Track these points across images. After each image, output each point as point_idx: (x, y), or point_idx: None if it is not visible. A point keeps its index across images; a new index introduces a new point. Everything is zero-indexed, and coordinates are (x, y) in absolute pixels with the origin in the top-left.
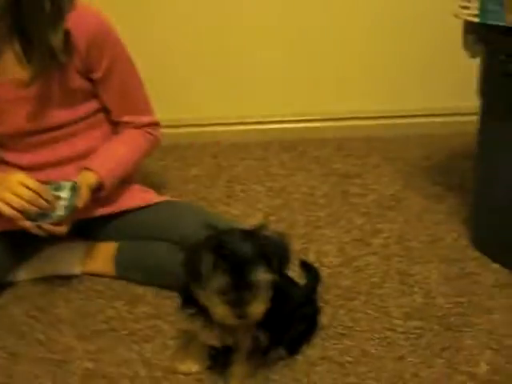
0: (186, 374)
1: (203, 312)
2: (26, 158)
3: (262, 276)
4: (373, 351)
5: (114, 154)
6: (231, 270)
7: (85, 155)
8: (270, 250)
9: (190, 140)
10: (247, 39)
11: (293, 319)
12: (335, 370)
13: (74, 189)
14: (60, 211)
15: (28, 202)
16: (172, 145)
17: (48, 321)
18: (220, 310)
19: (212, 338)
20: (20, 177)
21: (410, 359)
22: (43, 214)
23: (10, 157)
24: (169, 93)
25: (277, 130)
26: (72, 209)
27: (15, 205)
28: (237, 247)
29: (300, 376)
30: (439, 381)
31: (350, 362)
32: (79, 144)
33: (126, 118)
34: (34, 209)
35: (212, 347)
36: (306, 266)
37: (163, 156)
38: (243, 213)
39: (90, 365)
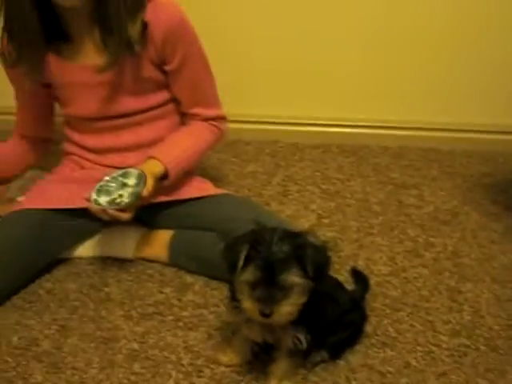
0: (227, 366)
1: None
2: (91, 141)
3: (293, 278)
4: (415, 364)
5: (180, 146)
6: (263, 266)
7: (149, 145)
8: (307, 254)
9: (249, 137)
10: (319, 38)
11: (338, 324)
12: (375, 378)
13: (141, 177)
14: (127, 198)
15: None
16: (231, 140)
17: (99, 299)
18: (248, 304)
19: (253, 333)
20: None
21: (452, 376)
22: (113, 202)
23: (77, 138)
24: (234, 88)
25: (337, 134)
26: (138, 197)
27: None
28: (274, 245)
29: (340, 381)
30: None
31: (390, 373)
32: (144, 133)
33: (194, 110)
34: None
35: (255, 343)
36: (356, 273)
37: (222, 150)
38: (296, 213)
39: (135, 345)
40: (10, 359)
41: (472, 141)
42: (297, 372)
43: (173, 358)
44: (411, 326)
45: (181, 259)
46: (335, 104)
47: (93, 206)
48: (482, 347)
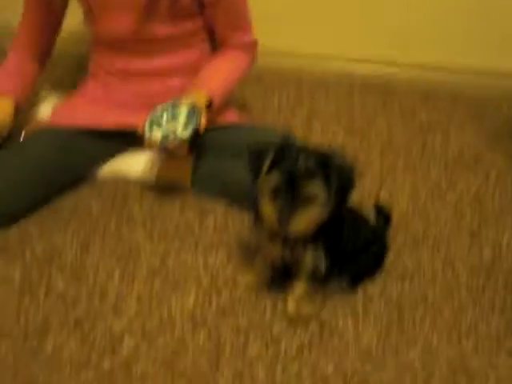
0: (246, 287)
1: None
2: (119, 63)
3: (315, 190)
4: (432, 298)
5: (221, 74)
6: (288, 173)
7: (177, 72)
8: (333, 170)
9: (273, 69)
10: None
11: (360, 253)
12: (392, 308)
13: (194, 111)
14: (184, 132)
15: None
16: (255, 73)
17: (121, 218)
18: (267, 210)
19: (274, 252)
20: None
21: (468, 312)
22: (167, 136)
23: (104, 58)
24: (261, 19)
25: (363, 71)
26: (195, 130)
27: None
28: (300, 157)
29: (357, 308)
30: (495, 338)
31: (407, 304)
32: (174, 60)
33: (231, 36)
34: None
35: (275, 267)
36: (378, 208)
37: (245, 83)
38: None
39: (156, 263)
40: (34, 268)
41: (501, 86)
42: (315, 296)
43: (193, 277)
44: (430, 262)
45: (203, 184)
46: (364, 41)
47: (150, 142)
48: (500, 287)
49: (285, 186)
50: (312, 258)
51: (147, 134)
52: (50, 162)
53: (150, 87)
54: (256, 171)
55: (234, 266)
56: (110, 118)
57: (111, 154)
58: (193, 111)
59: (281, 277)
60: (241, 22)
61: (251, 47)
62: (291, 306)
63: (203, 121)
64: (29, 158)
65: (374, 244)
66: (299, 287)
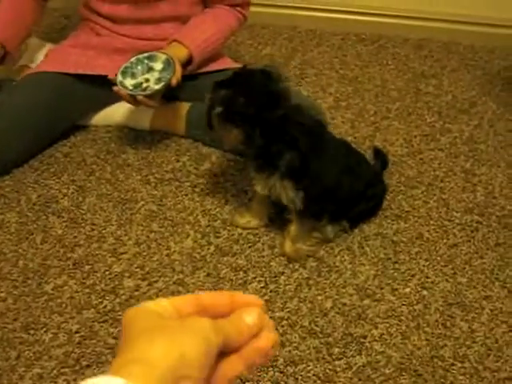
0: (244, 228)
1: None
2: (109, 8)
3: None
4: (427, 235)
5: (206, 31)
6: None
7: (167, 20)
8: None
9: (265, 20)
10: None
11: (362, 196)
12: (388, 246)
13: (169, 63)
14: (154, 84)
15: None
16: (247, 23)
17: (116, 164)
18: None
19: (259, 186)
20: None
21: (463, 248)
22: (139, 86)
23: (106, 8)
24: None
25: (357, 22)
26: (166, 84)
27: None
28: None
29: (353, 247)
30: (489, 271)
31: (403, 242)
32: (165, 9)
33: None
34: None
35: (271, 207)
36: (376, 151)
37: (238, 32)
38: (314, 95)
39: (153, 207)
40: (29, 214)
41: (493, 35)
42: (311, 235)
43: (190, 219)
44: (425, 202)
45: (197, 132)
46: None
47: (120, 90)
48: (494, 224)
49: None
50: (283, 191)
51: (118, 83)
52: (41, 108)
53: (140, 35)
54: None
55: (231, 209)
56: (102, 64)
57: (104, 101)
58: (168, 64)
59: (278, 219)
60: None
61: (243, 6)
62: (287, 245)
63: (177, 75)
64: (20, 104)
65: (375, 186)
66: (294, 226)
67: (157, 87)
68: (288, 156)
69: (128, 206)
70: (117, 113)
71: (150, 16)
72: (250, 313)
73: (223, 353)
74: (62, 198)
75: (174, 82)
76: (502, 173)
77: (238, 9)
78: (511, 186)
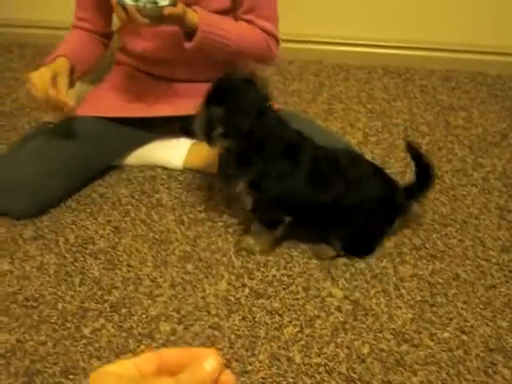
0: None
1: None
2: (157, 52)
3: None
4: (464, 276)
5: (225, 23)
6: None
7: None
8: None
9: (292, 56)
10: None
11: (352, 212)
12: (424, 288)
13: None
14: (148, 3)
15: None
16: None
17: (150, 204)
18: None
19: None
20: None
21: (501, 289)
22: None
23: (131, 45)
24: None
25: (383, 56)
26: (159, 9)
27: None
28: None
29: (389, 289)
30: None
31: (440, 283)
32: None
33: (249, 17)
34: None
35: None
36: (415, 159)
37: (264, 68)
38: (342, 130)
39: (187, 248)
40: (67, 255)
41: None
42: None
43: (224, 260)
44: (460, 241)
45: (230, 171)
46: (381, 25)
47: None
48: None
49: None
50: (240, 191)
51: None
52: (76, 152)
53: (175, 75)
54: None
55: (263, 250)
56: (135, 107)
57: (138, 142)
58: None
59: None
60: (263, 4)
61: (274, 39)
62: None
63: (175, 9)
64: (60, 147)
65: (378, 204)
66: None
67: (149, 5)
68: (254, 168)
69: (163, 247)
70: (150, 153)
71: (190, 56)
72: (207, 359)
73: None
74: (98, 239)
75: (166, 11)
76: None
77: (269, 37)
78: None
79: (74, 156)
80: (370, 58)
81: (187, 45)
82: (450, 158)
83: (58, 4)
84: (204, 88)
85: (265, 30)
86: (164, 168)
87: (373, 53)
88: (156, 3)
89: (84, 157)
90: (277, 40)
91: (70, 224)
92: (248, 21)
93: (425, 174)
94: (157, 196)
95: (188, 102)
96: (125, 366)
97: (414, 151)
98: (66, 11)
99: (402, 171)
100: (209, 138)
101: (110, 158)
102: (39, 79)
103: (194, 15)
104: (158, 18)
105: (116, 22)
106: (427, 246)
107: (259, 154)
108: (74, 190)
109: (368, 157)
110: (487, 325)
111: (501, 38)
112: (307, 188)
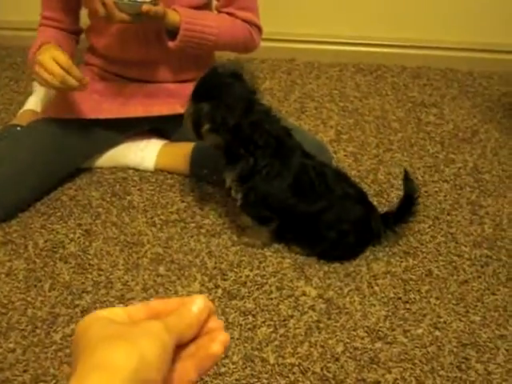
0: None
1: None
2: (128, 53)
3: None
4: (437, 272)
5: (206, 18)
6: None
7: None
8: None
9: (264, 54)
10: None
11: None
12: (398, 285)
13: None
14: None
15: (57, 77)
16: (245, 57)
17: (121, 206)
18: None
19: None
20: (54, 53)
21: (474, 284)
22: None
23: (101, 46)
24: None
25: (354, 53)
26: (137, 5)
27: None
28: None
29: (362, 286)
30: (502, 308)
31: (413, 280)
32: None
33: (229, 10)
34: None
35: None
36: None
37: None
38: (315, 128)
39: (159, 250)
40: (37, 260)
41: (491, 61)
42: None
43: (197, 262)
44: (433, 237)
45: (202, 171)
46: (352, 22)
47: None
48: (504, 258)
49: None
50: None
51: None
52: (45, 155)
53: (149, 76)
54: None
55: (238, 249)
56: (106, 109)
57: (108, 143)
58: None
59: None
60: (247, 1)
61: (256, 28)
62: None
63: (153, 8)
64: (28, 149)
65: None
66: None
67: (127, 1)
68: (243, 163)
69: (134, 250)
70: (121, 155)
71: (159, 57)
72: (195, 302)
73: (179, 349)
74: (68, 243)
75: (145, 8)
76: (509, 203)
77: (251, 27)
78: None
79: (43, 159)
80: (341, 55)
81: (171, 44)
82: (422, 154)
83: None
84: (174, 88)
85: (246, 21)
86: (135, 169)
87: (344, 50)
88: (136, 2)
89: (52, 160)
90: (259, 29)
91: (40, 228)
92: (228, 13)
93: (408, 206)
94: (128, 198)
95: (159, 102)
96: (115, 312)
97: (408, 183)
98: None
99: (374, 168)
100: (198, 134)
101: (80, 160)
102: (51, 62)
103: (174, 13)
104: (137, 14)
105: (86, 21)
106: (400, 242)
107: (248, 149)
108: (43, 193)
109: (340, 155)
110: (460, 320)
111: (471, 35)
112: (293, 193)
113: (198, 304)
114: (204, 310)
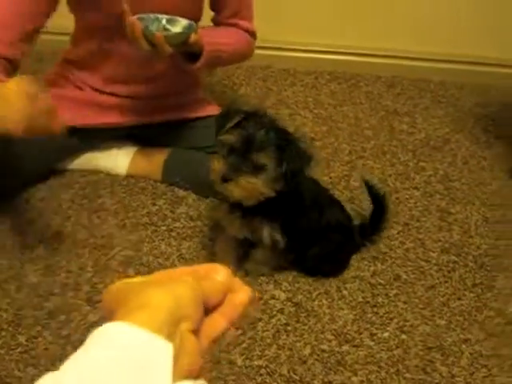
0: None
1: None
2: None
3: (266, 160)
4: (405, 277)
5: (220, 36)
6: (246, 136)
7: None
8: (289, 146)
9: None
10: None
11: (319, 236)
12: (366, 289)
13: (190, 26)
14: (177, 29)
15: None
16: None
17: (92, 208)
18: (216, 165)
19: (234, 228)
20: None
21: (440, 289)
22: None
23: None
24: None
25: (329, 61)
26: (187, 33)
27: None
28: (264, 126)
29: (331, 290)
30: (467, 313)
31: (381, 284)
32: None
33: (234, 21)
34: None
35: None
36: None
37: (212, 73)
38: None
39: (129, 253)
40: (4, 262)
41: (463, 72)
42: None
43: (167, 264)
44: (402, 242)
45: (175, 179)
46: (328, 31)
47: (136, 22)
48: (470, 264)
49: (240, 146)
50: (268, 234)
51: (134, 21)
52: (21, 153)
53: (130, 91)
54: (218, 129)
55: (208, 253)
56: (83, 115)
57: (82, 149)
58: (189, 28)
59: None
60: (247, 6)
61: (252, 35)
62: (250, 265)
63: (199, 36)
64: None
65: (339, 232)
66: (259, 252)
67: (178, 30)
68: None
69: (104, 252)
70: (94, 158)
71: (140, 75)
72: (219, 272)
73: (206, 313)
74: (37, 245)
75: (193, 37)
76: (477, 211)
77: (249, 36)
78: (486, 224)
79: (11, 159)
80: (317, 63)
81: (193, 66)
82: (394, 162)
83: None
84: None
85: (248, 31)
86: (107, 173)
87: (320, 58)
88: (168, 30)
89: (24, 159)
90: (255, 35)
91: (9, 228)
92: (232, 24)
93: (380, 214)
94: (99, 201)
95: (134, 110)
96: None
97: (373, 191)
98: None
99: (346, 175)
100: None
101: (52, 162)
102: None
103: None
104: (181, 45)
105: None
106: (369, 247)
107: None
108: (11, 195)
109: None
110: (426, 324)
111: (444, 46)
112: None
113: (221, 275)
114: (227, 281)
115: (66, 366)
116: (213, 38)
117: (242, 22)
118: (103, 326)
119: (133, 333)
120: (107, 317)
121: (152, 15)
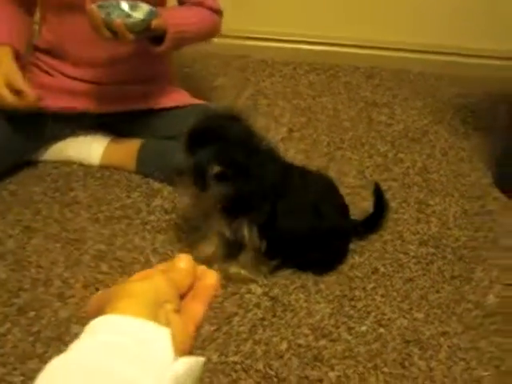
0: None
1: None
2: (76, 51)
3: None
4: (383, 270)
5: (185, 16)
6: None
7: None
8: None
9: (217, 51)
10: None
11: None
12: (343, 282)
13: (152, 13)
14: (139, 15)
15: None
16: (198, 53)
17: (64, 202)
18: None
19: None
20: (8, 74)
21: (418, 282)
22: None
23: (50, 42)
24: None
25: (307, 52)
26: (148, 20)
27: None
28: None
29: (308, 284)
30: (446, 305)
31: (358, 277)
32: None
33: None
34: None
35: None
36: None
37: (189, 63)
38: (267, 126)
39: (102, 247)
40: None
41: (442, 63)
42: (260, 266)
43: (141, 259)
44: (379, 235)
45: (149, 169)
46: (307, 21)
47: (94, 11)
48: (449, 256)
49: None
50: (248, 234)
51: (93, 10)
52: None
53: (95, 77)
54: (187, 148)
55: (183, 246)
56: (52, 102)
57: (55, 137)
58: (150, 15)
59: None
60: None
61: (218, 13)
62: (234, 268)
63: (161, 21)
64: None
65: (335, 238)
66: (245, 255)
67: (140, 16)
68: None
69: (76, 247)
70: (66, 149)
71: (106, 57)
72: (181, 260)
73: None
74: (6, 239)
75: (155, 23)
76: (456, 203)
77: (214, 13)
78: (464, 216)
79: None
80: (295, 54)
81: (157, 49)
82: (372, 153)
83: None
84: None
85: (211, 9)
86: (80, 164)
87: (298, 49)
88: (129, 16)
89: None
90: (221, 14)
91: None
92: (196, 3)
93: (376, 219)
94: (71, 193)
95: (102, 97)
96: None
97: (379, 194)
98: None
99: (325, 166)
100: (203, 186)
101: (22, 153)
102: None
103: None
104: (143, 32)
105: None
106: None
107: (262, 194)
108: None
109: (291, 153)
110: (404, 317)
111: (423, 37)
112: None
113: (184, 262)
114: (190, 267)
115: (75, 348)
116: (176, 19)
117: (207, 1)
118: (96, 319)
119: (127, 320)
120: (92, 311)
121: (114, 1)
